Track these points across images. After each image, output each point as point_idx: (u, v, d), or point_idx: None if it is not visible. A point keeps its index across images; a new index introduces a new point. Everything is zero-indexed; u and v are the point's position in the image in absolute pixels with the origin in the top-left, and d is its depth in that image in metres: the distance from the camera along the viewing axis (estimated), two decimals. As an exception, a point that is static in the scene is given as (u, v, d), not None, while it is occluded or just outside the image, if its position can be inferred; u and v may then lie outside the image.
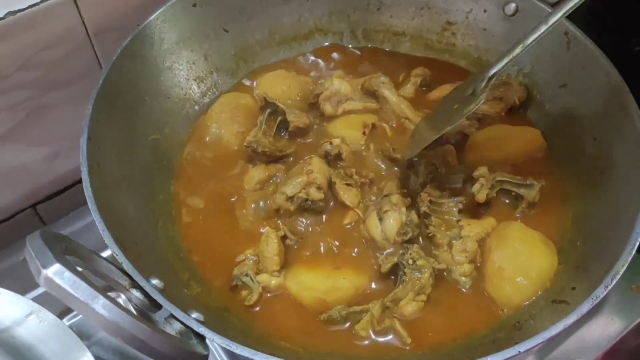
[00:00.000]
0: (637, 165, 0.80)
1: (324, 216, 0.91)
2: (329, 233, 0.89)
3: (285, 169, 0.95)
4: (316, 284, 0.83)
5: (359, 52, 1.16)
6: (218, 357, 0.88)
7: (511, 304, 0.81)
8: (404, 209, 0.86)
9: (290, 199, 0.88)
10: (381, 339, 0.79)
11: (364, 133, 0.99)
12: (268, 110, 0.97)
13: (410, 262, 0.81)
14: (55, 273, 0.51)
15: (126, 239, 0.75)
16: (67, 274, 0.51)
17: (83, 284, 0.51)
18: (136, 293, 0.68)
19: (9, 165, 1.03)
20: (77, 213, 1.10)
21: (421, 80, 1.09)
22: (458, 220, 0.86)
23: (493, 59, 1.06)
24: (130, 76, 0.93)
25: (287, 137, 1.00)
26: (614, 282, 0.69)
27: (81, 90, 1.02)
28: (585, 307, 0.67)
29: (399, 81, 1.10)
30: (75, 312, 0.97)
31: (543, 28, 0.80)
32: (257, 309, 0.83)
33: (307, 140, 1.00)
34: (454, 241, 0.85)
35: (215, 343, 0.65)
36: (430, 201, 0.88)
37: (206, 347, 0.64)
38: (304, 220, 0.90)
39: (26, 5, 0.86)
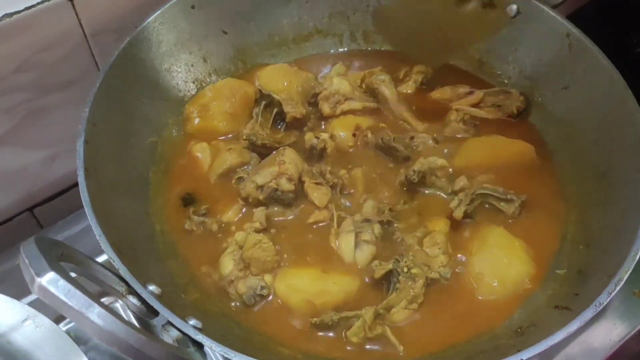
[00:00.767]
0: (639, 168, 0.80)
1: (291, 216, 0.90)
2: (297, 231, 0.89)
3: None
4: (305, 286, 0.82)
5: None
6: (217, 364, 0.87)
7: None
8: (380, 244, 0.86)
9: (260, 188, 0.88)
10: (372, 347, 0.78)
11: (354, 135, 0.98)
12: (263, 102, 0.97)
13: (405, 270, 0.81)
14: (50, 281, 0.50)
15: (123, 244, 0.74)
16: (62, 282, 0.50)
17: (78, 293, 0.50)
18: (133, 299, 0.67)
19: (6, 168, 1.02)
20: (75, 216, 1.08)
21: (422, 77, 1.08)
22: None
23: (493, 62, 1.08)
24: (128, 79, 0.92)
25: (283, 129, 0.99)
26: (618, 288, 0.68)
27: (78, 92, 1.01)
28: (588, 314, 0.66)
29: (399, 77, 1.09)
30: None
31: None
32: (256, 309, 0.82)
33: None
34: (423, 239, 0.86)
35: (214, 350, 0.64)
36: (390, 209, 0.88)
37: (204, 354, 0.63)
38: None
39: (23, 7, 0.85)
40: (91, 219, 0.71)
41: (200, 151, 0.97)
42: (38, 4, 0.86)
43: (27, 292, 0.93)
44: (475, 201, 0.88)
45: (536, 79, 1.03)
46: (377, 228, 0.86)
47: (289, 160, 0.90)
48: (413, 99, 1.05)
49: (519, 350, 0.63)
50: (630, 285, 0.90)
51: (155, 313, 0.67)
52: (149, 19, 0.94)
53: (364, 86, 1.05)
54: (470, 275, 0.83)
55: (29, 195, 1.09)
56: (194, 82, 1.04)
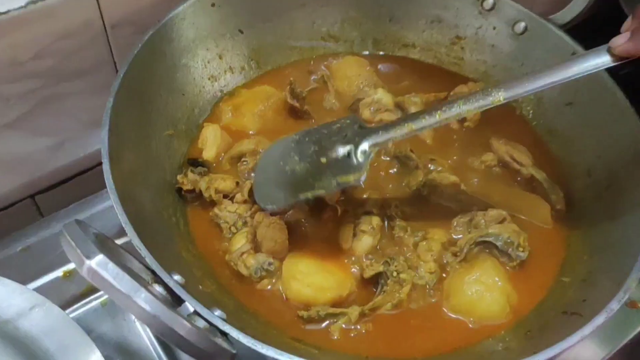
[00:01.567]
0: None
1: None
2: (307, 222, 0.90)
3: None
4: (306, 276, 0.83)
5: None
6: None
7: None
8: (379, 235, 0.88)
9: None
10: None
11: None
12: None
13: (394, 274, 0.83)
14: (99, 264, 0.50)
15: (145, 233, 0.74)
16: (111, 265, 0.50)
17: (126, 277, 0.51)
18: (159, 288, 0.67)
19: (12, 154, 1.01)
20: (77, 206, 1.08)
21: None
22: None
23: (500, 75, 1.12)
24: (149, 71, 0.92)
25: None
26: (627, 296, 0.71)
27: (91, 82, 1.01)
28: (600, 319, 0.69)
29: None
30: (76, 306, 0.97)
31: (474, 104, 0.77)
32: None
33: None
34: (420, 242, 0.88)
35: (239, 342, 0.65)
36: (396, 205, 0.90)
37: (232, 344, 0.64)
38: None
39: (47, -5, 0.85)
40: (117, 206, 0.71)
41: (211, 131, 0.99)
42: (63, -8, 0.86)
43: (29, 278, 0.96)
44: (472, 251, 0.87)
45: (541, 94, 1.07)
46: (376, 220, 0.88)
47: None
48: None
49: (534, 353, 0.66)
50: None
51: (179, 302, 0.67)
52: (172, 14, 0.95)
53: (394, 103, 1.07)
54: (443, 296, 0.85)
55: (31, 182, 1.08)
56: (209, 79, 1.05)
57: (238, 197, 0.90)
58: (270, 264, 0.84)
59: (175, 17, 0.96)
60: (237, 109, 1.04)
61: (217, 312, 0.68)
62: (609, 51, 0.74)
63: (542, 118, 1.07)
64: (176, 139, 0.97)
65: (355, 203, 0.92)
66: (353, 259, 0.87)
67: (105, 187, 0.74)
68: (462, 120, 1.05)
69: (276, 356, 0.64)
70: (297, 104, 1.02)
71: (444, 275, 0.86)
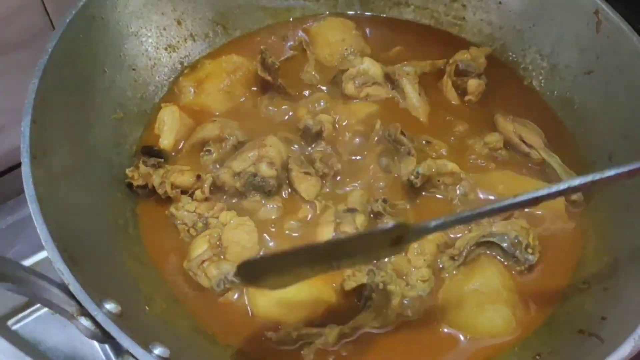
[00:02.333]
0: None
1: (275, 205, 0.79)
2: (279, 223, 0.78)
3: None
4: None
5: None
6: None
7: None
8: None
9: (237, 174, 0.78)
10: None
11: None
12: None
13: (381, 285, 0.71)
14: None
15: (78, 247, 0.62)
16: None
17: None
18: (85, 322, 0.55)
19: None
20: (15, 202, 0.96)
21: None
22: None
23: (507, 38, 0.96)
24: (87, 43, 0.79)
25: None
26: (659, 319, 0.58)
27: (30, 55, 0.85)
28: (626, 349, 0.56)
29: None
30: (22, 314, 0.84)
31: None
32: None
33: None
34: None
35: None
36: (384, 200, 0.78)
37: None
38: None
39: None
40: (37, 222, 0.59)
41: (169, 114, 0.85)
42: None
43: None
44: (473, 253, 0.75)
45: (555, 60, 0.93)
46: (360, 219, 0.76)
47: (270, 143, 0.80)
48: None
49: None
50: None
51: (110, 337, 0.55)
52: (114, -29, 0.80)
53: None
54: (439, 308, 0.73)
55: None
56: (166, 49, 0.91)
57: (198, 194, 0.77)
58: (235, 274, 0.71)
59: (119, -24, 0.81)
60: (200, 85, 0.90)
61: (158, 350, 0.56)
62: None
63: (556, 89, 0.92)
64: (126, 123, 0.84)
65: (337, 198, 0.79)
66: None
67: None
68: (463, 94, 0.91)
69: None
70: (269, 77, 0.88)
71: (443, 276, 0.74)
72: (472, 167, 0.84)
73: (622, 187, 0.77)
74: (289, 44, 0.98)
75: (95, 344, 0.82)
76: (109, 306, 0.57)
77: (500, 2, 0.96)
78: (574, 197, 0.80)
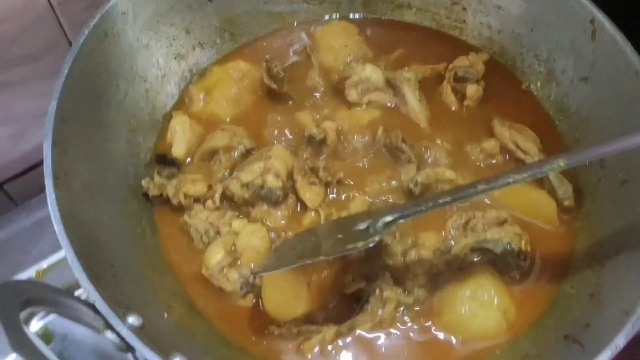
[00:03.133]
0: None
1: (282, 213, 0.83)
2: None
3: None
4: (285, 286, 0.77)
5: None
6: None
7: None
8: None
9: (245, 185, 0.81)
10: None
11: None
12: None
13: (377, 291, 0.75)
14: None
15: (99, 263, 0.67)
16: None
17: None
18: (111, 336, 0.61)
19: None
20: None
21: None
22: None
23: (506, 41, 0.99)
24: (101, 60, 0.81)
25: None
26: (636, 329, 0.63)
27: (47, 64, 0.93)
28: (603, 358, 0.61)
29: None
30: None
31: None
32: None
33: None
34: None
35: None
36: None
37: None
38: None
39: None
40: (63, 242, 0.63)
41: (180, 123, 0.89)
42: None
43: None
44: (467, 259, 0.79)
45: (551, 65, 0.94)
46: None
47: (275, 155, 0.83)
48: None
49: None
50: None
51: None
52: (124, -12, 0.82)
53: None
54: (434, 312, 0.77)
55: (-6, 171, 1.01)
56: (175, 58, 0.94)
57: (209, 203, 0.81)
58: (255, 277, 0.77)
59: (129, -9, 0.83)
60: (209, 93, 0.93)
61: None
62: None
63: (552, 94, 0.95)
64: (140, 133, 0.87)
65: (340, 205, 0.83)
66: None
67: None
68: (462, 98, 0.94)
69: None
70: (274, 86, 0.91)
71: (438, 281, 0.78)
72: (470, 173, 0.87)
73: (612, 194, 0.82)
74: (294, 47, 1.00)
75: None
76: (131, 319, 0.62)
77: (499, 7, 0.98)
78: (566, 203, 0.84)
